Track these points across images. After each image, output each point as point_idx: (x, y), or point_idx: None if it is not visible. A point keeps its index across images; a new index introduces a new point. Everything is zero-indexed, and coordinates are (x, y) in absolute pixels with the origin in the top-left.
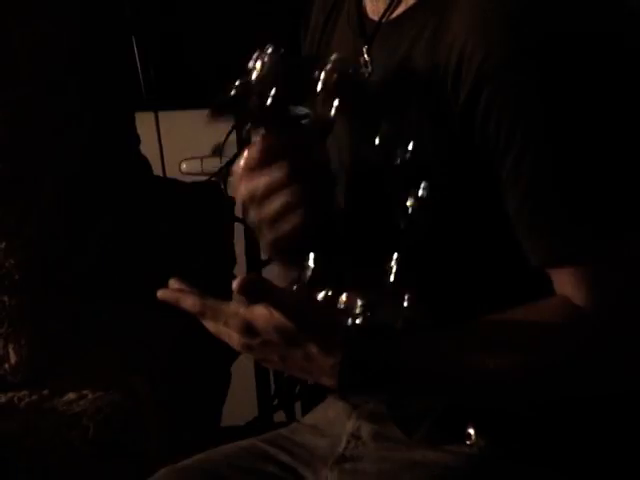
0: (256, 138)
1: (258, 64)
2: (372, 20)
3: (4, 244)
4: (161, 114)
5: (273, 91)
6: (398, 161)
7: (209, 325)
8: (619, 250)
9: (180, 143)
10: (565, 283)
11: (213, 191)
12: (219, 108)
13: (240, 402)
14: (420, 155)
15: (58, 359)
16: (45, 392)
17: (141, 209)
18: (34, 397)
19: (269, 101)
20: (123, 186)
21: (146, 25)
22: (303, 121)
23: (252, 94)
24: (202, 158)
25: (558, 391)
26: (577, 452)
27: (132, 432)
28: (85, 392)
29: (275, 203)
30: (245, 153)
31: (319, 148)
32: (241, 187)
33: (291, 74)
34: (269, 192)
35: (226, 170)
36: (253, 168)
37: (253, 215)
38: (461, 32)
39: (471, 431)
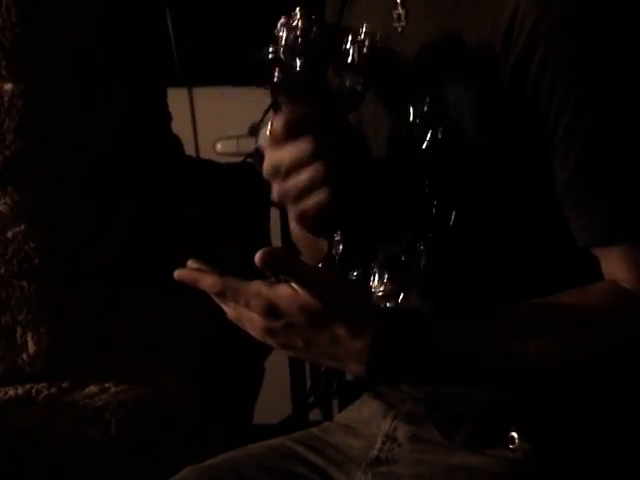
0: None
1: (284, 32)
2: None
3: (24, 226)
4: (195, 90)
5: (301, 61)
6: (428, 142)
7: (229, 310)
8: None
9: (215, 122)
10: (614, 265)
11: (249, 173)
12: (247, 73)
13: (274, 399)
14: (457, 133)
15: (79, 350)
16: (65, 385)
17: (171, 192)
18: (53, 390)
19: (297, 71)
20: (153, 167)
21: None
22: (331, 93)
23: (279, 63)
24: (238, 138)
25: (606, 381)
26: (628, 459)
27: (157, 429)
28: (107, 385)
29: (300, 178)
30: (270, 124)
31: (347, 122)
32: (265, 160)
33: (320, 43)
34: (294, 166)
35: (263, 151)
36: (278, 140)
37: (276, 189)
38: None
39: (514, 434)
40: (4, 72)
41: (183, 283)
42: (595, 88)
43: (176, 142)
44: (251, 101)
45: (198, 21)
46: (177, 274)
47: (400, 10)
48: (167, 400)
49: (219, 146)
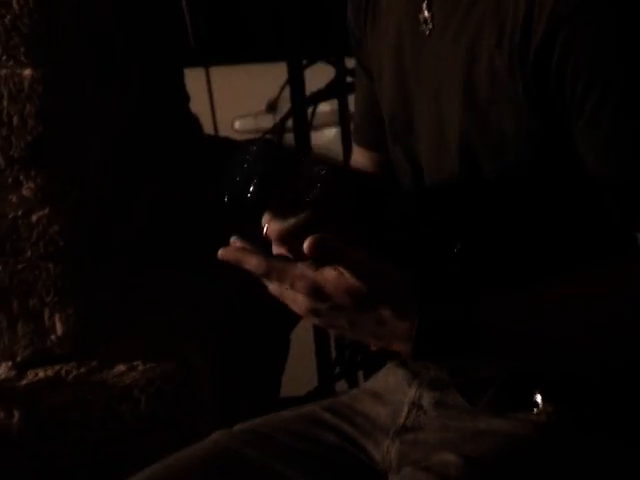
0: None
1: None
2: None
3: (48, 209)
4: (212, 69)
5: (254, 188)
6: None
7: (272, 287)
8: None
9: (233, 100)
10: None
11: None
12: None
13: (299, 371)
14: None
15: (107, 329)
16: (94, 364)
17: (191, 170)
18: (82, 370)
19: (253, 198)
20: (172, 147)
21: None
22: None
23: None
24: (256, 115)
25: None
26: None
27: (186, 405)
28: (136, 363)
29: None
30: (266, 227)
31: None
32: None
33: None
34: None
35: (281, 127)
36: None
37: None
38: None
39: (538, 398)
40: (23, 58)
41: (226, 262)
42: (620, 65)
43: (194, 121)
44: (268, 78)
45: (213, 1)
46: (221, 253)
47: (426, 14)
48: (194, 376)
49: (237, 124)
